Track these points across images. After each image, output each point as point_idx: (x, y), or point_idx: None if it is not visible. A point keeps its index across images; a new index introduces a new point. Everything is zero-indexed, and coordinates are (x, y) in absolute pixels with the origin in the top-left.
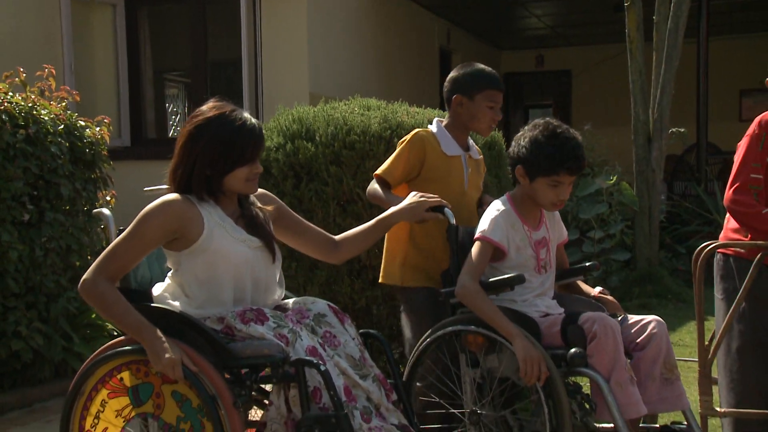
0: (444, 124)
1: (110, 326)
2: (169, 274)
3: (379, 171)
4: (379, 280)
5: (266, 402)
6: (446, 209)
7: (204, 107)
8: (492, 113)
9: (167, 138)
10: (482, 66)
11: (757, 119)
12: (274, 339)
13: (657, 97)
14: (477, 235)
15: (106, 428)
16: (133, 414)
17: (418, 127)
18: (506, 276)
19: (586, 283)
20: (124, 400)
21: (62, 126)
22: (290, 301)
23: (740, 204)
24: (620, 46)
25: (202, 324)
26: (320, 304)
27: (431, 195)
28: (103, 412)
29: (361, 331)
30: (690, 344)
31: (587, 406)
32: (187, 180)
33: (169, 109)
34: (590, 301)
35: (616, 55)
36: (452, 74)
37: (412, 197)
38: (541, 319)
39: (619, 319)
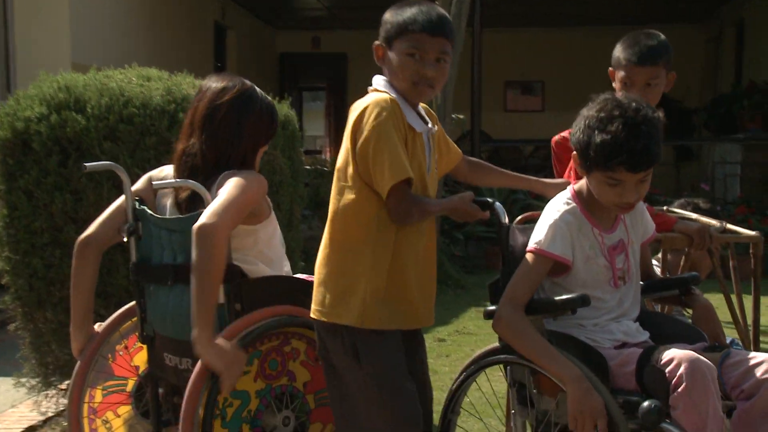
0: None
1: None
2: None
3: (391, 180)
4: (313, 315)
5: None
6: (496, 204)
7: (222, 81)
8: (416, 64)
9: None
10: (418, 3)
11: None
12: None
13: None
14: (530, 246)
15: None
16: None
17: None
18: (565, 297)
19: None
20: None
21: None
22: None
23: None
24: None
25: None
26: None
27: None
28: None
29: None
30: (474, 332)
31: None
32: (242, 153)
33: None
34: (687, 323)
35: None
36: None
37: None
38: (613, 352)
39: (721, 354)
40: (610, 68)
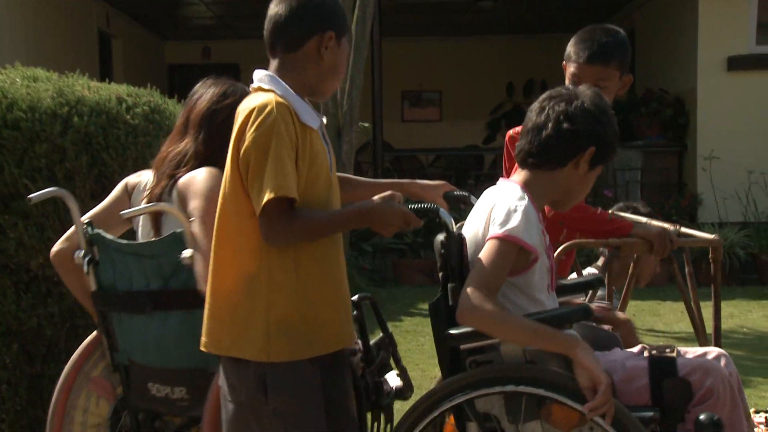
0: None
1: None
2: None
3: (266, 195)
4: (204, 348)
5: None
6: (442, 211)
7: (222, 86)
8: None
9: None
10: None
11: None
12: None
13: (347, 90)
14: (499, 232)
15: None
16: None
17: (104, 103)
18: (565, 309)
19: None
20: None
21: None
22: None
23: (574, 210)
24: None
25: None
26: None
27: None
28: None
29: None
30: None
31: None
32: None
33: None
34: (589, 326)
35: None
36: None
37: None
38: (610, 366)
39: (676, 356)
40: (564, 62)
